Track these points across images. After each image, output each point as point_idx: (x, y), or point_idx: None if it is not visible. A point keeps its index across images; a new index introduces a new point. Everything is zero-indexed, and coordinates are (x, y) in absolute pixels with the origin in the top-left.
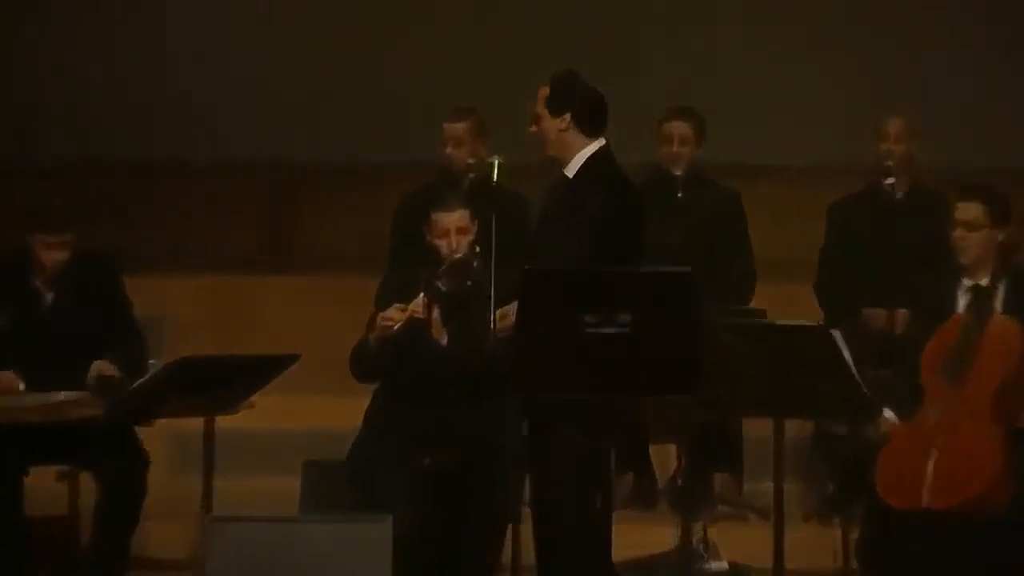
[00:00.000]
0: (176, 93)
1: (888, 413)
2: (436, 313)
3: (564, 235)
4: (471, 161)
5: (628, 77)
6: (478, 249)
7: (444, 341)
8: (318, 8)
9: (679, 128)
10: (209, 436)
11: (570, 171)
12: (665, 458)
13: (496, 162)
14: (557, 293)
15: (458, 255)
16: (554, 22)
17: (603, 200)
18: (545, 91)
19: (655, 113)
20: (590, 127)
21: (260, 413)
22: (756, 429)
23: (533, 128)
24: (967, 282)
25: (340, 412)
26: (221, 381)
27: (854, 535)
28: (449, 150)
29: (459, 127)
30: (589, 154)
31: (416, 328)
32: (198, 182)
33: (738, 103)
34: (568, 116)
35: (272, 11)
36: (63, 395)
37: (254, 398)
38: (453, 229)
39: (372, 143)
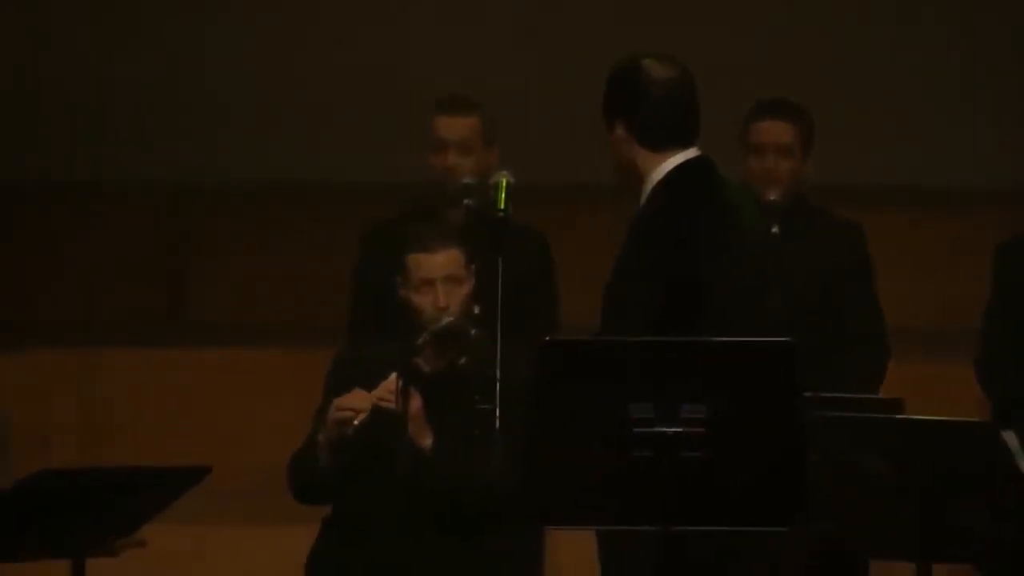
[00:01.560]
0: None
1: None
2: (416, 404)
3: (607, 301)
4: (468, 181)
5: (699, 59)
6: (477, 310)
7: (427, 445)
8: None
9: (776, 131)
10: None
11: (641, 204)
12: None
13: (504, 181)
14: (589, 376)
15: (448, 319)
16: None
17: (643, 245)
18: None
19: (739, 111)
20: (656, 139)
21: (153, 556)
22: None
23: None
24: None
25: (275, 551)
26: (95, 506)
27: None
28: (451, 159)
29: (463, 125)
30: (659, 178)
31: (386, 426)
32: (60, 211)
33: (857, 96)
34: (622, 127)
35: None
36: None
37: (144, 533)
38: (439, 279)
39: (315, 156)
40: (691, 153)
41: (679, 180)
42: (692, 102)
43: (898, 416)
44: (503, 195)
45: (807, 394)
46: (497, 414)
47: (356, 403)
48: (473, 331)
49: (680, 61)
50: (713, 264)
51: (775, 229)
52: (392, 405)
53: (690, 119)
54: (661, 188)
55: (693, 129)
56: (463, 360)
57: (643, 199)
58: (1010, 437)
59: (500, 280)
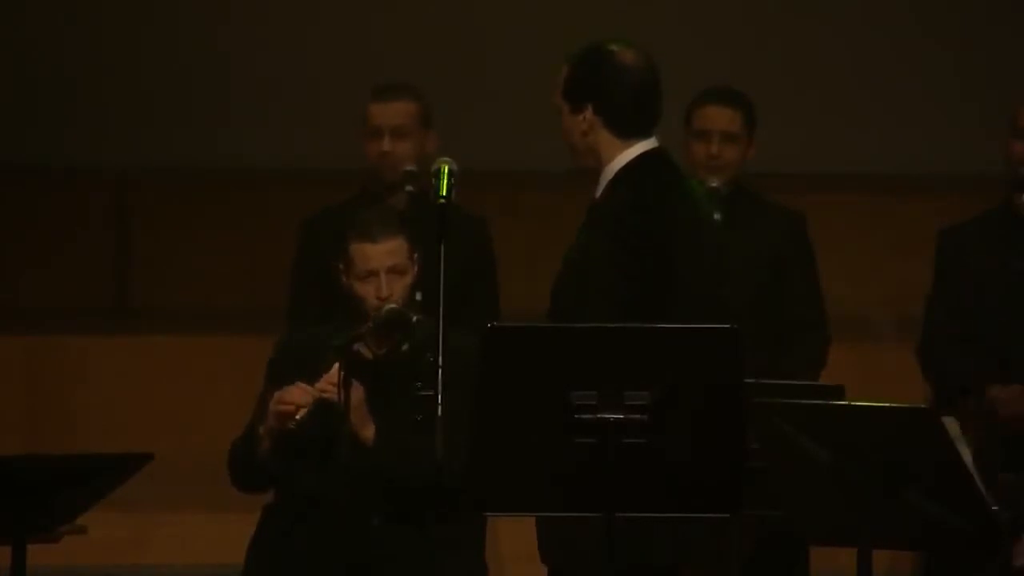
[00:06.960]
0: None
1: None
2: (358, 395)
3: (562, 290)
4: (409, 168)
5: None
6: (419, 298)
7: (370, 435)
8: None
9: (722, 118)
10: None
11: (598, 192)
12: None
13: (446, 168)
14: (533, 362)
15: (390, 307)
16: None
17: (611, 236)
18: (563, 74)
19: (683, 97)
20: (626, 125)
21: (95, 543)
22: (831, 563)
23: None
24: None
25: (216, 538)
26: (36, 494)
27: None
28: (386, 145)
29: (397, 110)
30: (623, 164)
31: (327, 416)
32: (6, 196)
33: (800, 84)
34: (590, 111)
35: None
36: None
37: (85, 520)
38: (383, 268)
39: (263, 142)
40: (652, 143)
41: (645, 170)
42: (658, 91)
43: (839, 403)
44: (445, 182)
45: (749, 380)
46: (439, 400)
47: (298, 398)
48: (415, 318)
49: (643, 49)
50: (684, 255)
51: (717, 216)
52: (334, 397)
53: (656, 108)
54: (623, 176)
55: (655, 118)
56: (405, 347)
57: (601, 186)
58: (951, 423)
59: (442, 267)
